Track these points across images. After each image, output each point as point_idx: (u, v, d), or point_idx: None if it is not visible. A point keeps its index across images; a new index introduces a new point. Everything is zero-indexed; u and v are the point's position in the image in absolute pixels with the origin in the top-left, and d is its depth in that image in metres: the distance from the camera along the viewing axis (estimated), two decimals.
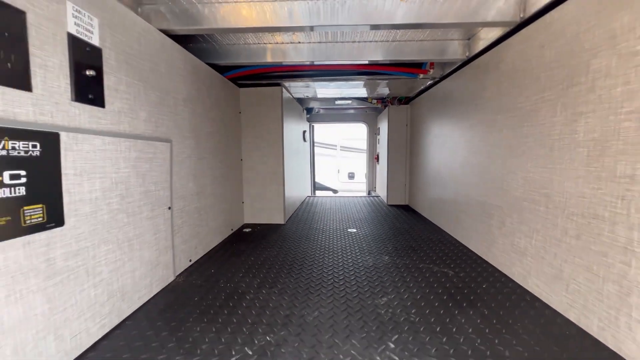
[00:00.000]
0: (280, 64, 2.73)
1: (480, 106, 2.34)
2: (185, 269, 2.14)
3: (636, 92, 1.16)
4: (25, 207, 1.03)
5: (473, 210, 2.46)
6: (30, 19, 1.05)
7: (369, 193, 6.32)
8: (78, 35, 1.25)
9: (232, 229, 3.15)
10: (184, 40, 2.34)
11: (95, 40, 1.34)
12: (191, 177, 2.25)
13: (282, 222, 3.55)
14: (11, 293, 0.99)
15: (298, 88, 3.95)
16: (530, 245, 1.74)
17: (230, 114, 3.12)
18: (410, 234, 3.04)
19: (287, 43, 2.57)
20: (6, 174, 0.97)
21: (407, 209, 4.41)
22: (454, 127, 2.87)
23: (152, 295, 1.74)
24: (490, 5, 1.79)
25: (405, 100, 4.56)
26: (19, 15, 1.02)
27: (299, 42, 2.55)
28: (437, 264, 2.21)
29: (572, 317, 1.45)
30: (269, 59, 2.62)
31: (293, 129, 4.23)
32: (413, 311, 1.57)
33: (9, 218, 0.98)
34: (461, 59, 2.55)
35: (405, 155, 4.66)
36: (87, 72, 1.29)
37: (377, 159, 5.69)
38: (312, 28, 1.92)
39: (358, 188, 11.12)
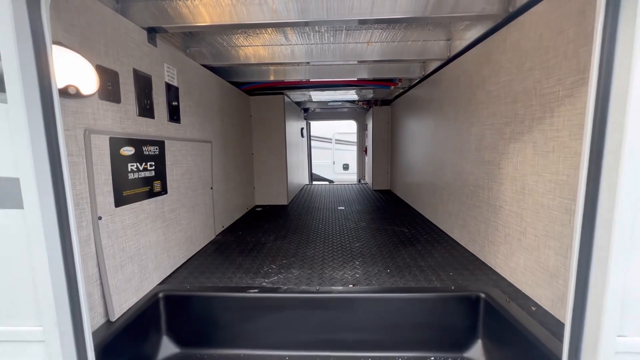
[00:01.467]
0: (283, 80, 3.59)
1: (432, 110, 3.22)
2: (221, 232, 3.04)
3: (491, 114, 2.04)
4: (154, 182, 1.91)
5: (427, 189, 3.37)
6: (152, 79, 1.91)
7: (359, 181, 7.23)
8: (169, 81, 2.11)
9: (247, 208, 4.04)
10: (212, 67, 3.18)
11: (175, 82, 2.19)
12: (222, 167, 3.13)
13: (286, 203, 4.44)
14: (150, 228, 1.88)
15: (297, 94, 4.80)
16: (453, 209, 2.65)
17: (244, 118, 3.98)
18: (386, 210, 3.95)
19: (289, 65, 3.41)
20: (148, 164, 1.84)
21: (388, 193, 5.32)
22: (419, 124, 3.75)
23: (204, 245, 2.63)
24: (429, 48, 2.65)
25: (387, 102, 5.42)
26: (148, 77, 1.87)
27: (298, 65, 3.40)
28: (399, 225, 3.13)
29: (468, 247, 2.37)
30: (275, 77, 3.47)
31: (293, 127, 5.09)
32: (374, 249, 2.48)
33: (148, 187, 1.86)
34: (419, 76, 3.42)
35: (388, 148, 5.55)
36: (173, 103, 2.15)
37: (366, 151, 6.58)
38: (308, 63, 2.77)
39: (352, 178, 12.05)
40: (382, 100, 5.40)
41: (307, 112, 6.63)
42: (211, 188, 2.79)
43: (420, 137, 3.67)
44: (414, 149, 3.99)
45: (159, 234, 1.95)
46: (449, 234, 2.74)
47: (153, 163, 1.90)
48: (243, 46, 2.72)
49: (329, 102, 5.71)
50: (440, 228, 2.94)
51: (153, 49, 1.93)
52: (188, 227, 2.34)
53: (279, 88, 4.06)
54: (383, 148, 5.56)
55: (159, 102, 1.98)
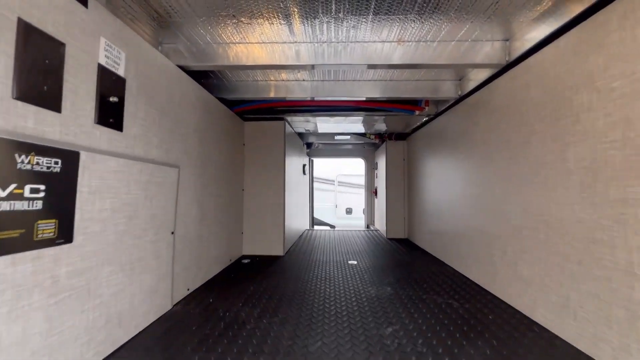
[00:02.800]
0: (284, 99, 2.91)
1: (473, 141, 2.47)
2: (184, 298, 2.08)
3: (616, 123, 1.26)
4: (39, 221, 1.05)
5: (473, 241, 2.48)
6: (69, 50, 1.16)
7: (367, 227, 6.30)
8: (107, 66, 1.36)
9: (230, 260, 3.09)
10: (197, 76, 2.51)
11: (121, 71, 1.45)
12: (195, 204, 2.28)
13: (281, 254, 3.50)
14: (14, 309, 0.97)
15: (299, 122, 4.14)
16: (534, 275, 1.74)
17: (234, 145, 3.23)
18: (411, 265, 3.00)
19: (292, 80, 2.76)
20: (27, 188, 1.01)
21: (406, 242, 4.38)
22: (450, 160, 2.98)
23: (149, 323, 1.67)
24: (478, 49, 1.99)
25: (402, 136, 4.76)
26: (60, 46, 1.13)
27: (303, 80, 2.75)
28: (441, 295, 2.17)
29: (582, 346, 1.41)
30: (274, 94, 2.80)
31: (294, 162, 4.34)
32: (420, 341, 1.52)
33: (23, 231, 1.00)
34: (454, 97, 2.74)
35: (403, 189, 4.75)
36: (111, 99, 1.39)
37: (376, 193, 5.77)
38: (313, 67, 2.09)
39: (356, 223, 11.08)
40: (397, 134, 4.75)
41: (311, 148, 5.97)
42: (172, 233, 1.91)
43: (454, 174, 2.88)
44: (443, 189, 3.18)
45: (36, 322, 1.04)
46: (528, 315, 1.79)
47: (43, 187, 1.06)
48: (233, 43, 2.06)
49: (335, 135, 5.06)
50: (508, 303, 1.99)
51: (79, 9, 1.22)
52: (115, 299, 1.41)
53: (278, 111, 3.38)
54: (398, 189, 4.76)
55: (77, 91, 1.21)
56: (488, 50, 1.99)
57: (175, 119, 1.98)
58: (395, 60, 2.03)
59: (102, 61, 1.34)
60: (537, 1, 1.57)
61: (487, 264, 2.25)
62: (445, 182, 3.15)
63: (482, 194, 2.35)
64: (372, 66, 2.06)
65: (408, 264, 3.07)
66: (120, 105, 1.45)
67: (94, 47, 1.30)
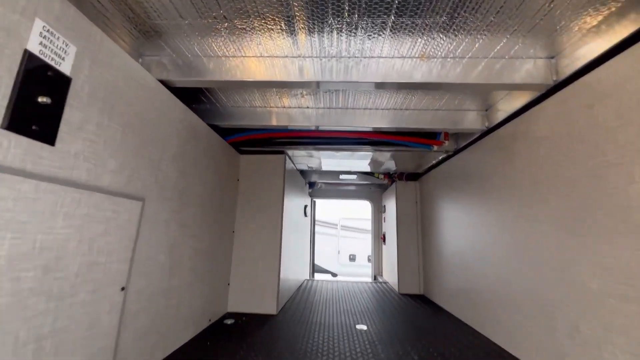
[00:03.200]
0: (285, 128, 2.57)
1: (510, 179, 2.04)
2: None
3: None
4: None
5: (520, 307, 1.91)
6: None
7: (374, 278, 5.60)
8: (40, 55, 1.01)
9: (210, 320, 2.48)
10: (185, 98, 2.20)
11: (64, 68, 1.10)
12: (165, 248, 1.79)
13: (274, 313, 2.87)
14: None
15: (302, 158, 3.78)
16: None
17: (227, 180, 2.83)
18: (435, 334, 2.37)
19: (294, 107, 2.44)
20: None
21: (423, 299, 3.72)
22: (478, 203, 2.53)
23: None
24: (517, 67, 1.66)
25: (413, 176, 4.36)
26: None
27: (307, 107, 2.43)
28: None
29: None
30: (274, 122, 2.46)
31: (294, 202, 3.90)
32: None
33: None
34: (479, 130, 2.38)
35: (417, 235, 4.21)
36: (40, 99, 1.00)
37: (384, 239, 5.21)
38: (318, 84, 1.76)
39: (360, 272, 10.21)
40: (408, 174, 4.35)
41: (313, 188, 5.56)
42: (122, 289, 1.40)
43: (485, 218, 2.41)
44: (470, 237, 2.67)
45: None
46: None
47: None
48: (226, 56, 1.76)
49: (340, 173, 4.68)
50: None
51: None
52: None
53: (278, 143, 3.03)
54: (410, 236, 4.22)
55: None
56: (529, 68, 1.66)
57: (147, 140, 1.59)
58: (417, 78, 1.69)
59: (34, 49, 0.99)
60: (602, 2, 1.25)
61: (547, 342, 1.67)
62: (471, 229, 2.65)
63: (529, 244, 1.85)
64: (388, 85, 1.73)
65: (430, 332, 2.44)
66: (55, 110, 1.06)
67: (21, 26, 0.95)
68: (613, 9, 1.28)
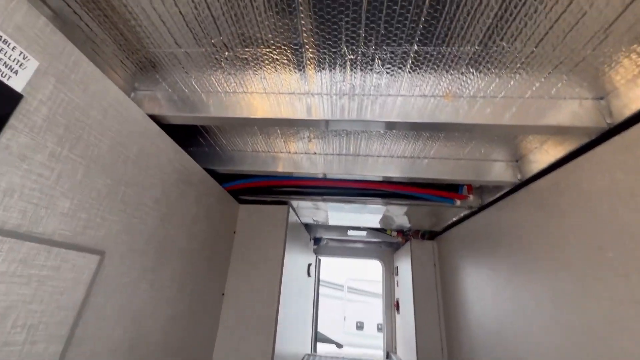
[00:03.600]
0: (290, 176, 2.31)
1: (559, 242, 1.67)
2: None
3: None
4: None
5: None
6: None
7: (387, 356, 4.77)
8: None
9: None
10: (182, 140, 2.02)
11: (15, 83, 0.89)
12: (126, 319, 1.40)
13: None
14: None
15: (307, 210, 3.46)
16: None
17: (221, 233, 2.50)
18: None
19: (301, 153, 2.22)
20: None
21: None
22: (515, 270, 2.10)
23: None
24: (559, 108, 1.43)
25: (430, 235, 3.94)
26: None
27: (314, 153, 2.20)
28: None
29: None
30: (279, 168, 2.22)
31: (297, 259, 3.47)
32: None
33: None
34: (511, 182, 2.08)
35: (437, 304, 3.62)
36: None
37: (397, 306, 4.56)
38: (327, 123, 1.54)
39: (368, 343, 8.98)
40: (425, 231, 3.94)
41: (319, 244, 5.12)
42: None
43: (535, 290, 1.97)
44: (507, 310, 2.17)
45: None
46: None
47: None
48: (227, 92, 1.58)
49: (348, 228, 4.29)
50: None
51: None
52: None
53: (282, 192, 2.75)
54: (430, 305, 3.63)
55: None
56: (575, 109, 1.42)
57: (121, 180, 1.33)
58: (440, 118, 1.46)
59: None
60: None
61: None
62: (508, 302, 2.17)
63: (598, 330, 1.39)
64: (407, 125, 1.49)
65: None
66: None
67: None
68: None
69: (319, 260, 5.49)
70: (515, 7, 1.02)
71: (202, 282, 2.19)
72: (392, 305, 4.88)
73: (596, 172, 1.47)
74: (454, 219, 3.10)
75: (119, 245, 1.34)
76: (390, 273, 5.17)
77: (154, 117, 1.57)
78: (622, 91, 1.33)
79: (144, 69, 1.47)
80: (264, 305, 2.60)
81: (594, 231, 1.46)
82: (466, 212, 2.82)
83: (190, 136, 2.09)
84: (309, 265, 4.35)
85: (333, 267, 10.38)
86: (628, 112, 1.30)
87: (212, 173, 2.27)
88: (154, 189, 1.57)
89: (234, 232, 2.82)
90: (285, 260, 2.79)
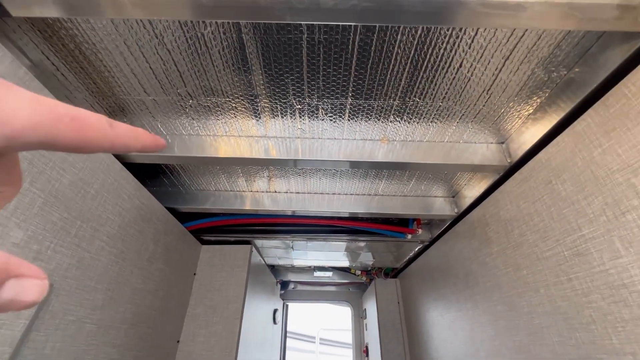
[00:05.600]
0: (254, 214, 2.42)
1: (490, 267, 1.88)
2: None
3: None
4: None
5: None
6: None
7: None
8: None
9: None
10: (145, 178, 2.10)
11: None
12: (67, 358, 1.33)
13: None
14: None
15: (272, 250, 3.49)
16: None
17: (180, 274, 2.45)
18: None
19: (262, 192, 2.37)
20: None
21: None
22: (463, 299, 2.26)
23: None
24: (472, 150, 1.74)
25: (393, 273, 4.06)
26: None
27: (275, 192, 2.36)
28: None
29: None
30: (241, 206, 2.33)
31: (260, 304, 3.38)
32: None
33: None
34: (450, 216, 2.34)
35: (403, 342, 3.60)
36: None
37: (367, 351, 4.43)
38: (285, 162, 1.73)
39: None
40: (387, 269, 4.05)
41: (286, 289, 5.00)
42: None
43: (486, 318, 2.12)
44: (472, 343, 2.28)
45: None
46: None
47: None
48: (191, 135, 1.75)
49: (315, 269, 4.29)
50: None
51: None
52: None
53: (245, 231, 2.81)
54: (395, 343, 3.61)
55: None
56: (484, 151, 1.74)
57: (77, 215, 1.38)
58: (379, 157, 1.72)
59: None
60: (529, 96, 1.41)
61: None
62: (462, 331, 2.28)
63: (529, 346, 1.54)
64: (350, 164, 1.73)
65: None
66: None
67: None
68: (543, 99, 1.44)
69: (287, 306, 5.30)
70: (418, 73, 1.34)
71: (155, 326, 2.09)
72: (362, 352, 4.72)
73: (507, 202, 1.76)
74: (411, 255, 3.28)
75: (68, 280, 1.34)
76: (359, 317, 5.09)
77: (118, 156, 1.68)
78: (515, 136, 1.68)
79: (112, 113, 1.61)
80: (223, 354, 2.48)
81: (512, 253, 1.70)
82: (420, 246, 3.02)
83: (153, 176, 2.18)
84: (275, 310, 4.20)
85: (304, 315, 9.85)
86: (520, 152, 1.63)
87: (174, 212, 2.32)
88: (110, 225, 1.61)
89: (194, 274, 2.77)
90: (246, 304, 2.74)
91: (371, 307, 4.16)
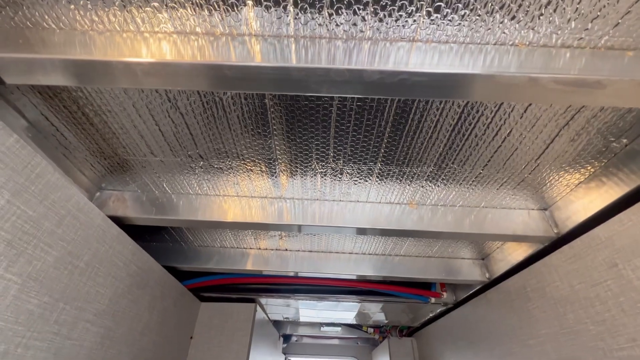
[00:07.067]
0: (259, 273, 2.18)
1: (534, 349, 1.61)
2: None
3: None
4: None
5: None
6: None
7: None
8: None
9: None
10: (144, 235, 1.91)
11: None
12: None
13: None
14: None
15: (277, 307, 3.18)
16: None
17: (175, 342, 2.17)
18: None
19: (271, 250, 2.15)
20: None
21: None
22: None
23: None
24: (511, 218, 1.55)
25: (408, 331, 3.69)
26: None
27: (285, 250, 2.15)
28: None
29: None
30: (247, 266, 2.11)
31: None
32: None
33: None
34: (480, 281, 2.10)
35: None
36: None
37: None
38: (299, 228, 1.55)
39: None
40: (403, 327, 3.69)
41: (289, 342, 4.57)
42: None
43: None
44: None
45: None
46: None
47: None
48: (198, 194, 1.58)
49: (322, 325, 3.92)
50: None
51: None
52: None
53: (249, 290, 2.55)
54: None
55: None
56: (525, 219, 1.55)
57: (59, 298, 1.17)
58: (407, 225, 1.52)
59: None
60: (582, 164, 1.25)
61: None
62: None
63: None
64: (376, 231, 1.53)
65: None
66: None
67: None
68: (598, 168, 1.27)
69: None
70: (460, 141, 1.19)
71: None
72: None
73: (556, 279, 1.53)
74: (431, 315, 2.97)
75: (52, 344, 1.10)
76: None
77: (117, 218, 1.50)
78: (561, 204, 1.49)
79: (114, 172, 1.46)
80: None
81: (568, 342, 1.44)
82: (442, 308, 2.73)
83: (153, 232, 1.98)
84: None
85: None
86: (571, 224, 1.44)
87: (173, 271, 2.09)
88: (100, 300, 1.39)
89: (191, 338, 2.47)
90: None
91: None
